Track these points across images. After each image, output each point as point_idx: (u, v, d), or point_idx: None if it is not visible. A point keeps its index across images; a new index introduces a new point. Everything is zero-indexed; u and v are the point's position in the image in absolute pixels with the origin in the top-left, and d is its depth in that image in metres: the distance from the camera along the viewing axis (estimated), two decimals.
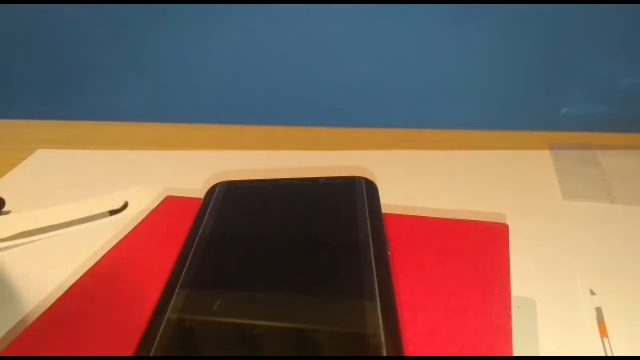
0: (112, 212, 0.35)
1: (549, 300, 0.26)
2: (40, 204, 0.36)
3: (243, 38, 0.49)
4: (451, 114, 0.49)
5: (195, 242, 0.24)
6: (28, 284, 0.28)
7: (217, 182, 0.29)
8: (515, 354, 0.19)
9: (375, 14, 0.46)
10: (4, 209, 0.36)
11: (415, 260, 0.24)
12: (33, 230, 0.33)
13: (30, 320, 0.22)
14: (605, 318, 0.25)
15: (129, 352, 0.19)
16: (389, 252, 0.23)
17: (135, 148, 0.46)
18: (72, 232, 0.33)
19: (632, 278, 0.28)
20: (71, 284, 0.24)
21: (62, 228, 0.34)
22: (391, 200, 0.29)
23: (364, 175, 0.29)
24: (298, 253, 0.23)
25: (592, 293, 0.27)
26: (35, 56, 0.52)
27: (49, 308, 0.22)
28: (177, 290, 0.21)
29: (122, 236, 0.27)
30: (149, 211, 0.30)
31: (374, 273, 0.21)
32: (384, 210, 0.26)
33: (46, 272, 0.29)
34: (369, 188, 0.28)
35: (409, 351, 0.19)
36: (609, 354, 0.23)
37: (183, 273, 0.22)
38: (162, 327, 0.19)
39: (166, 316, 0.19)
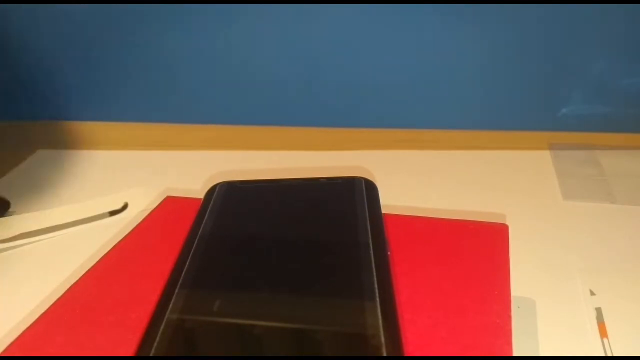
0: (113, 213, 0.35)
1: (549, 300, 0.26)
2: (41, 204, 0.36)
3: (243, 38, 0.49)
4: (451, 114, 0.49)
5: (195, 242, 0.24)
6: (28, 284, 0.28)
7: (217, 182, 0.30)
8: (515, 354, 0.19)
9: (376, 14, 0.46)
10: (9, 210, 0.36)
11: (415, 260, 0.24)
12: (34, 231, 0.33)
13: (30, 320, 0.22)
14: (605, 318, 0.25)
15: (129, 352, 0.19)
16: (389, 252, 0.23)
17: (135, 148, 0.46)
18: (73, 232, 0.33)
19: (632, 278, 0.28)
20: (71, 284, 0.24)
21: (62, 229, 0.34)
22: (391, 200, 0.29)
23: (364, 175, 0.29)
24: (298, 253, 0.23)
25: (592, 293, 0.27)
26: (35, 56, 0.52)
27: (49, 308, 0.22)
28: (177, 290, 0.21)
29: (122, 236, 0.27)
30: (149, 211, 0.30)
31: (374, 273, 0.21)
32: (384, 210, 0.26)
33: (47, 273, 0.29)
34: (369, 188, 0.28)
35: (409, 351, 0.19)
36: (609, 354, 0.23)
37: (183, 273, 0.22)
38: (162, 327, 0.19)
39: (166, 316, 0.19)
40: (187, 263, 0.22)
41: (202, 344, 0.19)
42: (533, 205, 0.35)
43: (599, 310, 0.26)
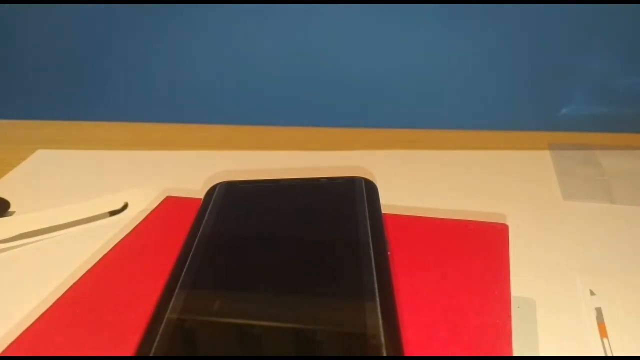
0: (113, 213, 0.35)
1: (549, 300, 0.26)
2: (40, 205, 0.36)
3: (243, 38, 0.49)
4: (451, 114, 0.49)
5: (195, 242, 0.24)
6: (28, 285, 0.28)
7: (217, 182, 0.30)
8: (515, 354, 0.19)
9: (376, 13, 0.46)
10: (9, 210, 0.36)
11: (415, 260, 0.24)
12: (34, 231, 0.33)
13: (30, 320, 0.22)
14: (605, 318, 0.25)
15: (129, 352, 0.19)
16: (389, 252, 0.23)
17: (135, 148, 0.46)
18: (73, 232, 0.33)
19: (632, 278, 0.28)
20: (71, 284, 0.24)
21: (62, 229, 0.34)
22: (391, 200, 0.29)
23: (364, 175, 0.29)
24: (298, 253, 0.23)
25: (592, 293, 0.27)
26: (36, 56, 0.52)
27: (49, 308, 0.22)
28: (177, 290, 0.21)
29: (122, 237, 0.27)
30: (148, 212, 0.30)
31: (374, 273, 0.21)
32: (384, 210, 0.26)
33: (47, 273, 0.29)
34: (369, 188, 0.28)
35: (409, 351, 0.19)
36: (609, 354, 0.23)
37: (183, 273, 0.22)
38: (162, 327, 0.19)
39: (166, 316, 0.19)
40: (187, 263, 0.22)
41: (202, 344, 0.19)
42: (533, 205, 0.35)
43: (599, 310, 0.26)
